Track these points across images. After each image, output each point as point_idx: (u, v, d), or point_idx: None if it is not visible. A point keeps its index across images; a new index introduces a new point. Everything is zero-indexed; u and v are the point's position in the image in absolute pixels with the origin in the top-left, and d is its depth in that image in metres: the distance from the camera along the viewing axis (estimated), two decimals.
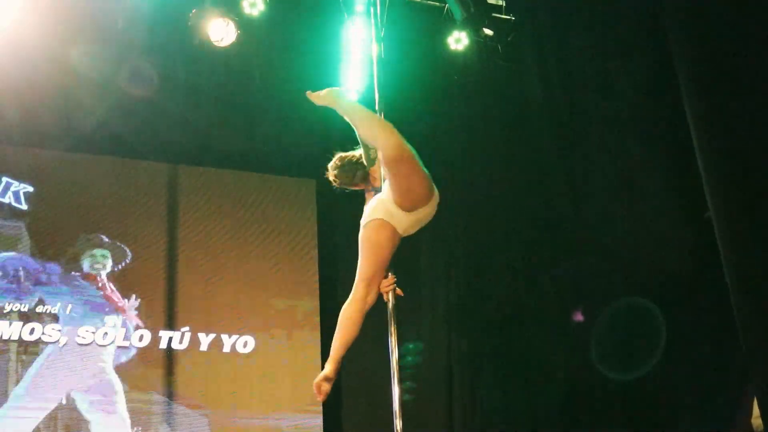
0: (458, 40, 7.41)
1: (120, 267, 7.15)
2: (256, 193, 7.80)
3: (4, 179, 6.94)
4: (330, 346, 3.94)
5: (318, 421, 7.27)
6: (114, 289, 7.06)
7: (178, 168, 7.61)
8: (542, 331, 7.44)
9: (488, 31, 7.37)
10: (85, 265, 7.06)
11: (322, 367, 7.31)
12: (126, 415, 6.86)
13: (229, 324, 7.35)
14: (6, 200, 6.94)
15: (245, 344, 7.34)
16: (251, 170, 7.86)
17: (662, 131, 6.72)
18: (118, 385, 6.90)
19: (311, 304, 7.60)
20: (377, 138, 3.99)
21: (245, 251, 7.59)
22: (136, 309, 7.07)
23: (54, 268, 6.94)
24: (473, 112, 7.77)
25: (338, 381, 7.26)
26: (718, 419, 6.38)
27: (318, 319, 7.56)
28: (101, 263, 7.08)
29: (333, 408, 7.30)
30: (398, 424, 3.91)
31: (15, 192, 6.97)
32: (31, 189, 7.01)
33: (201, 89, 7.43)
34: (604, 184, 7.19)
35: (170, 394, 7.03)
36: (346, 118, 4.05)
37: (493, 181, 7.76)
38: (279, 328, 7.49)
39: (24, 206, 6.98)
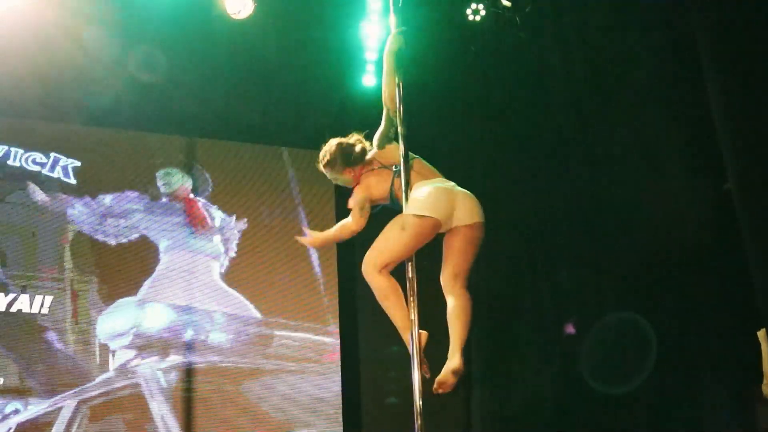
0: (476, 11, 7.35)
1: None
2: (273, 166, 7.80)
3: (53, 155, 7.03)
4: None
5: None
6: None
7: (196, 141, 7.62)
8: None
9: (506, 2, 7.30)
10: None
11: (341, 340, 7.38)
12: None
13: (248, 298, 7.40)
14: (55, 175, 7.05)
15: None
16: (268, 143, 7.86)
17: (682, 104, 6.68)
18: None
19: (331, 276, 7.63)
20: None
21: (263, 224, 7.61)
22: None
23: None
24: (491, 84, 7.72)
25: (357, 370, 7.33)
26: (733, 391, 6.39)
27: (337, 288, 7.60)
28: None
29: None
30: (418, 409, 3.97)
31: (64, 167, 7.06)
32: (79, 163, 7.11)
33: (218, 62, 7.43)
34: (623, 156, 7.15)
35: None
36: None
37: (509, 154, 7.72)
38: (297, 302, 7.52)
39: (72, 180, 7.10)
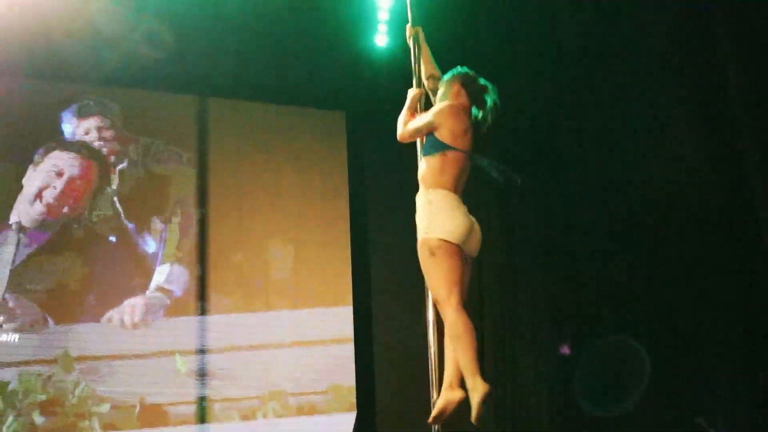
0: None
1: None
2: (287, 125, 7.80)
3: None
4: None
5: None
6: None
7: (208, 100, 7.62)
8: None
9: None
10: None
11: (354, 306, 7.39)
12: None
13: (260, 257, 7.44)
14: None
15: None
16: (281, 102, 7.85)
17: (695, 62, 6.64)
18: None
19: (342, 237, 7.64)
20: None
21: (276, 184, 7.62)
22: None
23: None
24: (503, 55, 7.66)
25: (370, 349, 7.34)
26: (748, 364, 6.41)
27: (348, 252, 7.62)
28: None
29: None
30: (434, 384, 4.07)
31: None
32: None
33: (231, 21, 7.39)
34: (636, 120, 7.13)
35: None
36: None
37: (522, 123, 7.68)
38: (310, 261, 7.56)
39: None
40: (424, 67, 4.64)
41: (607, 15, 7.21)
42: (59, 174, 7.00)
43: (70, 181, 7.01)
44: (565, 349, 7.20)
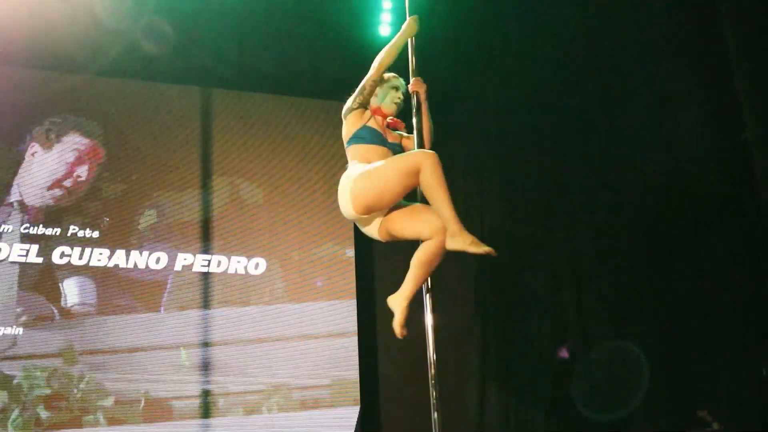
0: None
1: None
2: (290, 116, 7.79)
3: None
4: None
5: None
6: None
7: (212, 92, 7.62)
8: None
9: None
10: None
11: (357, 294, 7.37)
12: None
13: (264, 247, 7.43)
14: None
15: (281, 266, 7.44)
16: (284, 94, 7.84)
17: (700, 51, 6.62)
18: None
19: (345, 229, 7.63)
20: None
21: (279, 175, 7.62)
22: None
23: None
24: (507, 34, 7.64)
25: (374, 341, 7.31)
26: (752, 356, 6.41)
27: (352, 244, 7.61)
28: None
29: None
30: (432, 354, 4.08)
31: None
32: None
33: (234, 12, 7.38)
34: (640, 105, 7.11)
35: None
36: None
37: (525, 101, 7.66)
38: (313, 254, 7.55)
39: None
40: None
41: (612, 3, 7.19)
42: (79, 161, 6.98)
43: (90, 167, 7.00)
44: (564, 352, 7.19)
